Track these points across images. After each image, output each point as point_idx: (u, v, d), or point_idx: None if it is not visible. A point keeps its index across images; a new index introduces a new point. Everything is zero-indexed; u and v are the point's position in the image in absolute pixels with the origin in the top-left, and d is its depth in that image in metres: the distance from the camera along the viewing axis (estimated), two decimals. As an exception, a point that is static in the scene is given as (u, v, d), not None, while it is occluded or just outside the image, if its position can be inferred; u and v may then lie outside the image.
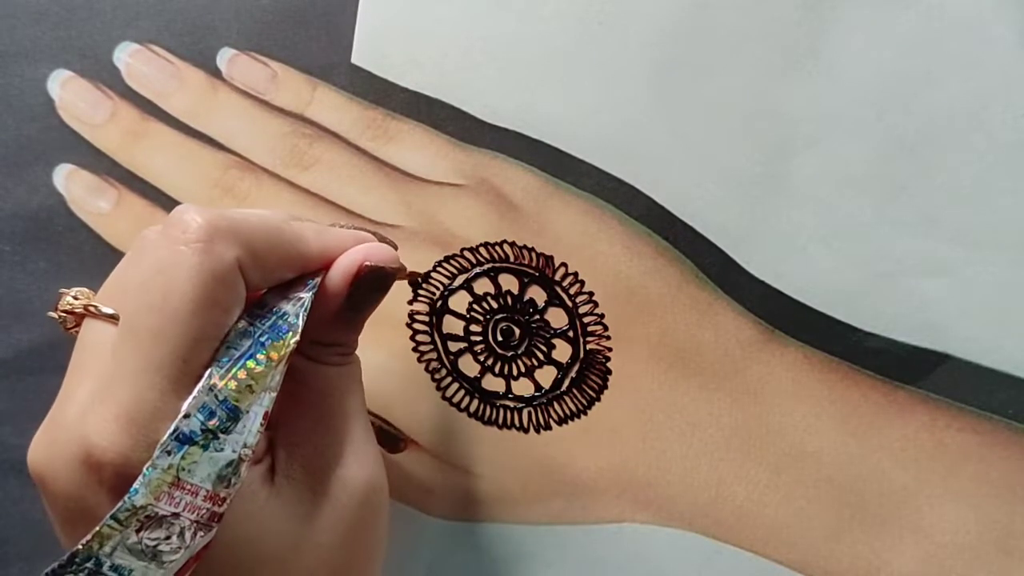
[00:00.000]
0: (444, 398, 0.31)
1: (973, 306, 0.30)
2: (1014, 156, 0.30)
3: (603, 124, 0.32)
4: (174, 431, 0.19)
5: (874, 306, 0.30)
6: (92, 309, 0.22)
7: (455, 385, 0.31)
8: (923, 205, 0.30)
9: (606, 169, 0.32)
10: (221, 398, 0.20)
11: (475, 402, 0.31)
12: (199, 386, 0.20)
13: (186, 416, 0.20)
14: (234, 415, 0.20)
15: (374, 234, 0.27)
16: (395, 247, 0.26)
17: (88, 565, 0.18)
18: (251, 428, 0.20)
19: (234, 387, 0.20)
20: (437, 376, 0.32)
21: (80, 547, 0.18)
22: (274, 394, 0.21)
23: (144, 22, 0.33)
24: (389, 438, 0.30)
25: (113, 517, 0.19)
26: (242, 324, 0.22)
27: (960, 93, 0.30)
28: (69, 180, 0.33)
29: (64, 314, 0.23)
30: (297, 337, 0.22)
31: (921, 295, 0.30)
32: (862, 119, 0.31)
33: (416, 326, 0.32)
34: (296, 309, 0.22)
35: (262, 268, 0.22)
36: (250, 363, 0.21)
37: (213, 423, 0.20)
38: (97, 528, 0.19)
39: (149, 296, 0.21)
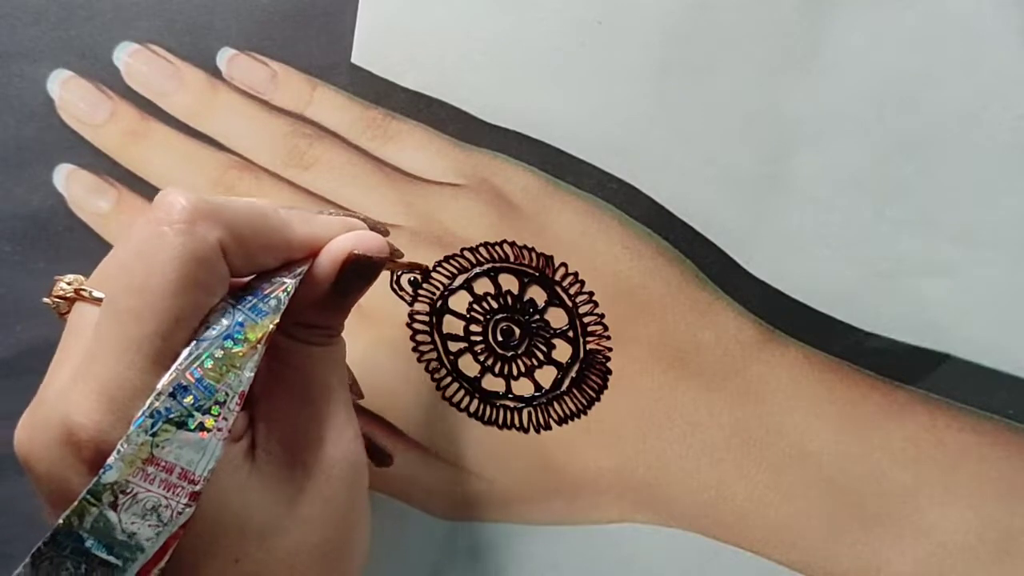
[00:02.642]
0: (444, 398, 0.31)
1: (973, 306, 0.30)
2: (1014, 156, 0.30)
3: (603, 124, 0.32)
4: (148, 408, 0.19)
5: (874, 306, 0.30)
6: (82, 293, 0.22)
7: (455, 385, 0.31)
8: (923, 205, 0.30)
9: (606, 169, 0.32)
10: (197, 377, 0.20)
11: (475, 402, 0.31)
12: (175, 364, 0.20)
13: (161, 394, 0.20)
14: (209, 394, 0.20)
15: (365, 220, 0.27)
16: (386, 232, 0.26)
17: (70, 543, 0.19)
18: (227, 407, 0.20)
19: (211, 367, 0.20)
20: (437, 376, 0.32)
21: (60, 523, 0.19)
22: (251, 375, 0.21)
23: (144, 22, 0.33)
24: (377, 452, 0.30)
25: (90, 492, 0.19)
26: (223, 305, 0.22)
27: (960, 93, 0.30)
28: (69, 180, 0.33)
29: (57, 299, 0.23)
30: (277, 320, 0.22)
31: (921, 295, 0.30)
32: (862, 119, 0.31)
33: (416, 326, 0.32)
34: (278, 293, 0.22)
35: (245, 252, 0.22)
36: (228, 343, 0.21)
37: (188, 400, 0.20)
38: (75, 504, 0.19)
39: (130, 276, 0.21)
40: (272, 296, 0.22)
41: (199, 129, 0.33)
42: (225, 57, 0.33)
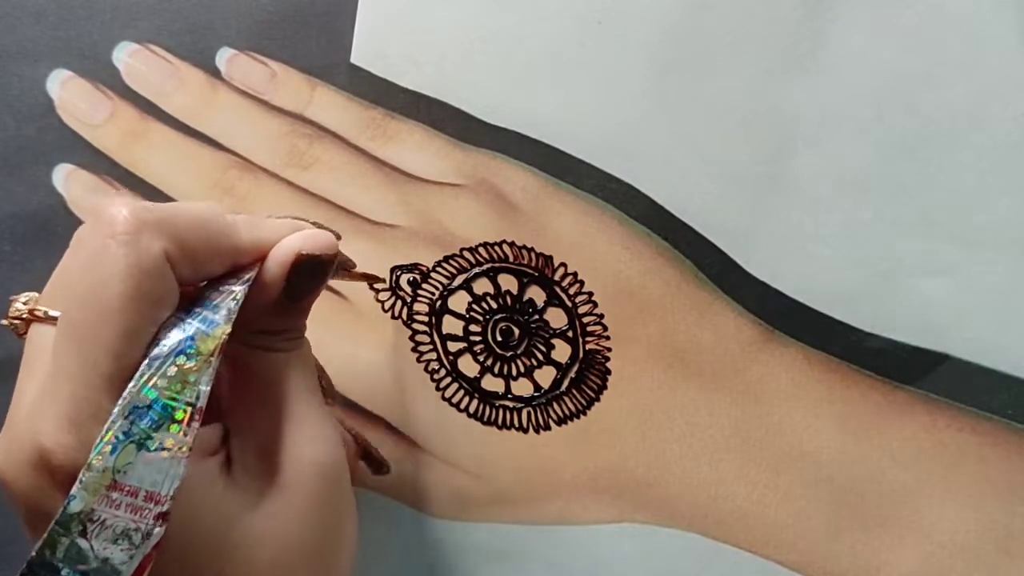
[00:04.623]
0: (444, 398, 0.31)
1: (973, 306, 0.30)
2: (1014, 156, 0.30)
3: (603, 124, 0.32)
4: (106, 433, 0.19)
5: (874, 306, 0.30)
6: (37, 312, 0.22)
7: (454, 385, 0.31)
8: (923, 205, 0.30)
9: (606, 169, 0.31)
10: (153, 397, 0.20)
11: (474, 402, 0.31)
12: (129, 386, 0.20)
13: (118, 418, 0.19)
14: (167, 413, 0.20)
15: (314, 224, 0.26)
16: (338, 237, 0.25)
17: (46, 573, 0.19)
18: (186, 425, 0.20)
19: (165, 385, 0.20)
20: (436, 376, 0.31)
21: (34, 555, 0.19)
22: (207, 389, 0.21)
23: (143, 22, 0.33)
24: (374, 461, 0.30)
25: (58, 523, 0.19)
26: (172, 319, 0.21)
27: (960, 93, 0.30)
28: (69, 180, 0.33)
29: (14, 321, 0.23)
30: (228, 330, 0.21)
31: (921, 295, 0.30)
32: (862, 119, 0.30)
33: (416, 326, 0.32)
34: (227, 302, 0.22)
35: (192, 260, 0.22)
36: (180, 359, 0.20)
37: (145, 422, 0.20)
38: (45, 535, 0.19)
39: (80, 292, 0.20)
40: (222, 306, 0.22)
41: (198, 129, 0.33)
42: (224, 57, 0.33)
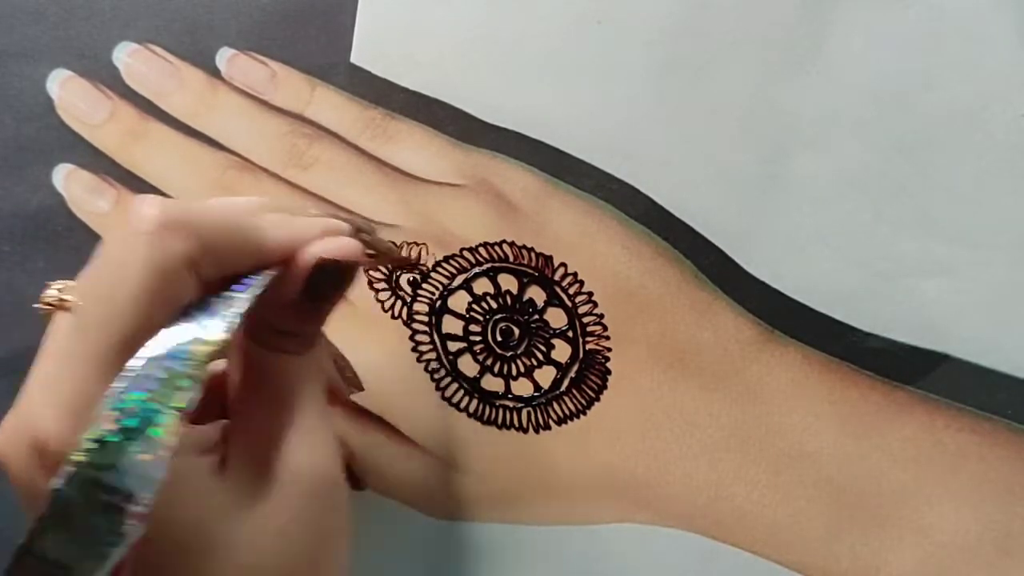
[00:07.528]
0: (444, 398, 0.31)
1: (973, 306, 0.30)
2: (1014, 156, 0.30)
3: (603, 124, 0.32)
4: (91, 432, 0.19)
5: (873, 306, 0.30)
6: (59, 301, 0.22)
7: (454, 385, 0.31)
8: (923, 205, 0.30)
9: (606, 169, 0.32)
10: (140, 397, 0.20)
11: (474, 402, 0.31)
12: (116, 385, 0.19)
13: (104, 418, 0.19)
14: (153, 415, 0.20)
15: (350, 221, 0.26)
16: (372, 230, 0.25)
17: (33, 562, 0.19)
18: (168, 427, 0.20)
19: (154, 387, 0.20)
20: (436, 376, 0.31)
21: (23, 543, 0.19)
22: (193, 395, 0.20)
23: (143, 22, 0.33)
24: (350, 475, 0.30)
25: (40, 516, 0.19)
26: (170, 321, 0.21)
27: (960, 93, 0.30)
28: (68, 180, 0.33)
29: (46, 306, 0.23)
30: (227, 339, 0.21)
31: (921, 295, 0.30)
32: (862, 119, 0.31)
33: (415, 326, 0.32)
34: (230, 311, 0.21)
35: (215, 262, 0.22)
36: (171, 363, 0.20)
37: (130, 423, 0.20)
38: (30, 526, 0.19)
39: (99, 285, 0.21)
40: (224, 314, 0.21)
41: (198, 129, 0.33)
42: (224, 57, 0.33)
